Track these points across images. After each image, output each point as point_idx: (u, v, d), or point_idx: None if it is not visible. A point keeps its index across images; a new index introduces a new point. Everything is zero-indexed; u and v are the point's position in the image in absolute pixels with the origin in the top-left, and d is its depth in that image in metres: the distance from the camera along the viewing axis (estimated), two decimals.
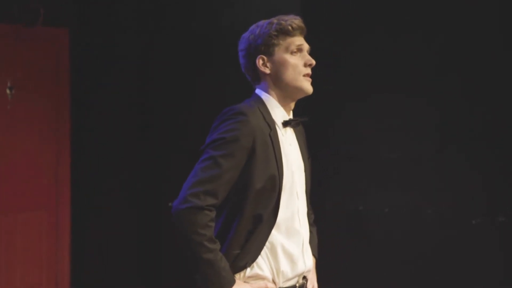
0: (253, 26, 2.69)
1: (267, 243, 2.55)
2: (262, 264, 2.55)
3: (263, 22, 2.67)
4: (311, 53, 2.68)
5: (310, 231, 2.77)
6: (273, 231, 2.55)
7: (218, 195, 2.46)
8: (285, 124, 2.65)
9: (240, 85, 2.91)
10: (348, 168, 4.74)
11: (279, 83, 2.64)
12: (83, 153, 5.40)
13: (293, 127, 2.69)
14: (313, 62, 2.66)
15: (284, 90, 2.65)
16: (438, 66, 4.51)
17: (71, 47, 5.35)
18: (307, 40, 2.68)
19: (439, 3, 4.51)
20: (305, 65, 2.64)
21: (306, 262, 2.65)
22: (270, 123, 2.59)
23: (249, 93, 2.70)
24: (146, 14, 5.43)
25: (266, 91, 2.66)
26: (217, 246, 2.47)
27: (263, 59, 2.64)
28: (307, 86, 2.64)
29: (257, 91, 2.69)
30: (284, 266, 2.58)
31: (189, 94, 5.26)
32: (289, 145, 2.66)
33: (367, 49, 4.64)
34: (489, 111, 4.42)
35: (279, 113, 2.65)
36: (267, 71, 2.65)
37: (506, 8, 4.36)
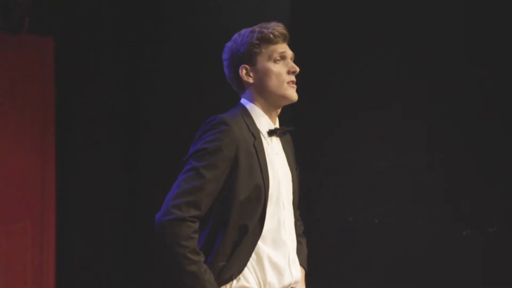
0: (235, 35, 2.69)
1: (253, 255, 2.55)
2: (248, 276, 2.55)
3: (245, 31, 2.67)
4: (295, 60, 2.68)
5: (299, 242, 2.78)
6: (259, 242, 2.56)
7: (201, 206, 2.47)
8: (271, 133, 2.66)
9: (232, 94, 2.90)
10: (338, 178, 4.72)
11: (263, 92, 2.65)
12: (69, 163, 5.39)
13: (279, 136, 2.70)
14: (297, 69, 2.66)
15: (268, 99, 2.65)
16: (430, 75, 4.52)
17: (56, 55, 5.34)
18: (295, 46, 2.69)
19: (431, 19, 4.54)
20: (289, 72, 2.65)
21: (293, 273, 2.65)
22: (254, 133, 2.60)
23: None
24: (134, 22, 5.43)
25: (251, 100, 2.67)
26: (201, 258, 2.47)
27: (246, 69, 2.65)
28: (291, 94, 2.64)
29: (242, 100, 2.69)
30: (271, 277, 2.58)
31: (178, 103, 5.24)
32: (276, 154, 2.66)
33: (359, 54, 4.63)
34: (480, 120, 4.44)
35: (264, 122, 2.66)
36: (251, 80, 2.65)
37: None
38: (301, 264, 2.77)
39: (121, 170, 5.49)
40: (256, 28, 2.65)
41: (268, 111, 2.67)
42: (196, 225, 2.47)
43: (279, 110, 2.71)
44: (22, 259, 5.29)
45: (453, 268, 4.47)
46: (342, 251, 4.70)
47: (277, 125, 2.71)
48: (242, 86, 2.69)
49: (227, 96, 2.88)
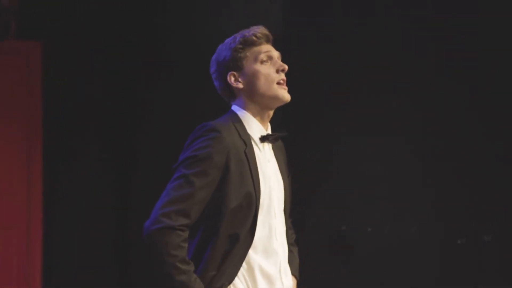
0: (219, 46, 2.71)
1: (243, 264, 2.55)
2: (239, 286, 2.55)
3: (227, 40, 2.69)
4: (283, 60, 2.69)
5: (291, 251, 2.78)
6: (250, 251, 2.56)
7: (190, 215, 2.46)
8: (262, 139, 2.65)
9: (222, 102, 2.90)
10: (331, 186, 4.73)
11: (254, 96, 2.64)
12: (56, 170, 5.38)
13: (271, 142, 2.69)
14: (285, 67, 2.66)
15: (260, 102, 2.65)
16: (429, 77, 4.54)
17: (44, 61, 5.33)
18: (287, 52, 2.69)
19: None
20: (278, 71, 2.65)
21: (284, 282, 2.65)
22: (245, 140, 2.59)
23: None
24: (125, 27, 5.41)
25: (242, 107, 2.67)
26: (190, 267, 2.46)
27: (234, 75, 2.65)
28: (283, 94, 2.64)
29: (233, 107, 2.69)
30: (262, 287, 2.57)
31: (172, 110, 5.22)
32: (267, 161, 2.66)
33: (353, 58, 4.64)
34: (475, 128, 4.45)
35: (256, 128, 2.65)
36: (240, 86, 2.65)
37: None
38: (292, 274, 2.76)
39: (111, 178, 5.47)
40: (238, 34, 2.67)
41: (260, 116, 2.67)
42: (185, 234, 2.46)
43: (271, 114, 2.70)
44: (8, 267, 5.27)
45: (448, 277, 4.48)
46: (335, 260, 4.70)
47: (269, 131, 2.70)
48: (233, 93, 2.69)
49: (222, 105, 2.87)
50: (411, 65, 4.54)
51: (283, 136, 2.73)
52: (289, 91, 2.66)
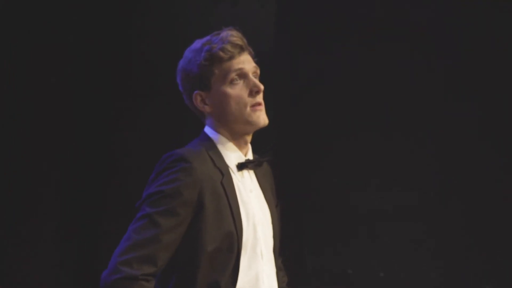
0: (186, 51, 2.67)
1: None
2: None
3: (195, 45, 2.64)
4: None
5: None
6: None
7: (156, 262, 2.44)
8: (240, 167, 2.64)
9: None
10: (335, 222, 4.73)
11: (225, 122, 2.62)
12: None
13: (252, 169, 2.68)
14: (261, 87, 2.61)
15: (232, 128, 2.63)
16: (439, 106, 4.57)
17: None
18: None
19: None
20: (251, 93, 2.60)
21: None
22: (222, 168, 2.58)
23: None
24: (77, 25, 5.37)
25: (215, 129, 2.65)
26: None
27: (200, 96, 2.63)
28: (258, 119, 2.60)
29: (206, 129, 2.68)
30: None
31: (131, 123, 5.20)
32: (249, 192, 2.65)
33: (355, 76, 4.65)
34: (503, 166, 4.49)
35: (233, 154, 2.64)
36: (208, 109, 2.64)
37: None
38: None
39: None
40: (205, 44, 2.61)
41: (236, 139, 2.65)
42: (151, 285, 2.44)
43: (248, 138, 2.68)
44: None
45: None
46: None
47: (250, 155, 2.68)
48: (202, 114, 2.68)
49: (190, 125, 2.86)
50: (428, 96, 4.59)
51: (266, 160, 2.72)
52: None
